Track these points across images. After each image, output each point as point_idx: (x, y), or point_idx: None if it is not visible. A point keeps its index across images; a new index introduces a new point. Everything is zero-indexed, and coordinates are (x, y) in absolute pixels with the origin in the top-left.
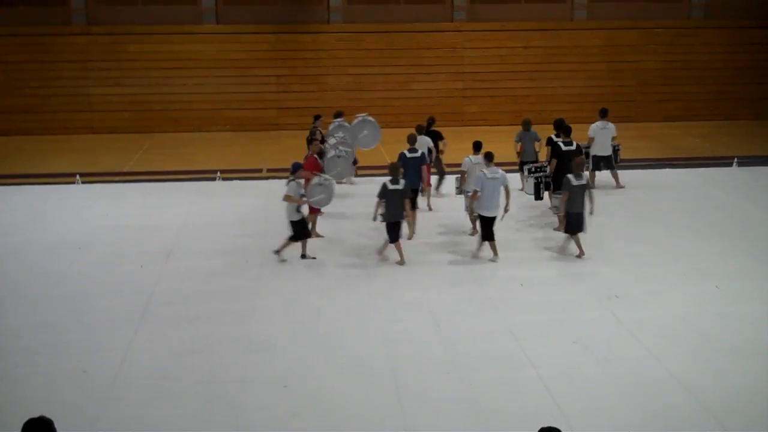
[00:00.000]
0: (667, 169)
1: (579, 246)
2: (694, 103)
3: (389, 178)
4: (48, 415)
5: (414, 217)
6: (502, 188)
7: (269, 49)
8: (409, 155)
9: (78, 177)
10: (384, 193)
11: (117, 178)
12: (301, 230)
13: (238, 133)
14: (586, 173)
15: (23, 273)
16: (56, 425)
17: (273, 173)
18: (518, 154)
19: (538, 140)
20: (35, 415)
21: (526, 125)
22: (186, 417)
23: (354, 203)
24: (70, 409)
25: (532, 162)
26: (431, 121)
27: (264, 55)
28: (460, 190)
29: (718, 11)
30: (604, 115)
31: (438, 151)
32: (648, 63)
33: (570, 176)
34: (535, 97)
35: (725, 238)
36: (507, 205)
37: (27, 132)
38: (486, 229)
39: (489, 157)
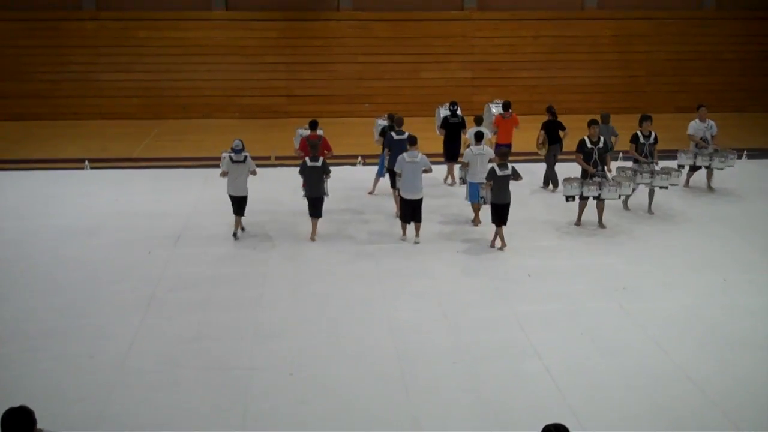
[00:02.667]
0: (676, 161)
1: (501, 237)
2: (704, 95)
3: (309, 156)
4: (56, 399)
5: (395, 195)
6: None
7: (279, 36)
8: (396, 137)
9: (87, 162)
10: (303, 170)
11: (126, 164)
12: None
13: (246, 120)
14: (512, 165)
15: (33, 258)
16: (64, 409)
17: (281, 161)
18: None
19: (616, 135)
20: (42, 399)
21: (605, 119)
22: (193, 403)
23: (362, 191)
24: (77, 394)
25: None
26: (552, 110)
27: (273, 42)
28: (463, 180)
29: (730, 2)
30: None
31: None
32: (659, 53)
33: (495, 166)
34: (545, 86)
35: (733, 230)
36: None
37: (37, 117)
38: (411, 210)
39: (411, 141)
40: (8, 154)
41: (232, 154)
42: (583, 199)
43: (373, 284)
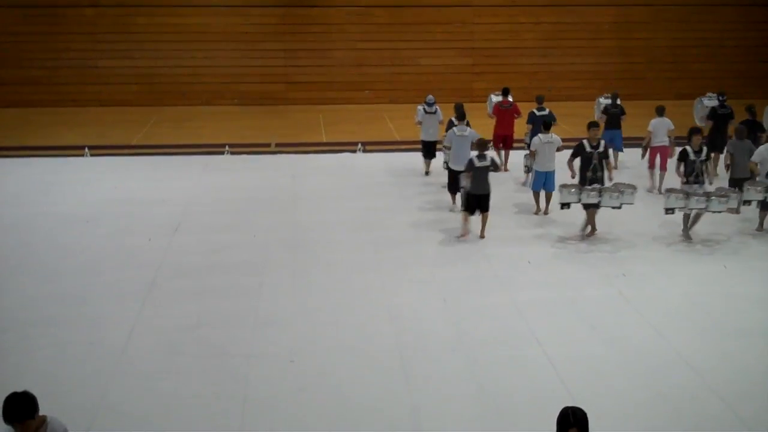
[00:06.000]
0: (677, 147)
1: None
2: (704, 81)
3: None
4: (55, 387)
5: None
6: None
7: (278, 22)
8: (538, 114)
9: (86, 150)
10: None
11: (125, 152)
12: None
13: (246, 107)
14: (490, 153)
15: (32, 245)
16: (63, 397)
17: (281, 148)
18: (727, 167)
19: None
20: (42, 387)
21: (740, 134)
22: (192, 390)
23: (362, 177)
24: (77, 382)
25: (747, 179)
26: (752, 110)
27: (272, 28)
28: (528, 169)
29: None
30: None
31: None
32: (658, 40)
33: (473, 157)
34: (544, 73)
35: (733, 216)
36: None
37: (36, 104)
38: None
39: (460, 116)
40: (7, 141)
41: (425, 106)
42: (588, 207)
43: (373, 272)
